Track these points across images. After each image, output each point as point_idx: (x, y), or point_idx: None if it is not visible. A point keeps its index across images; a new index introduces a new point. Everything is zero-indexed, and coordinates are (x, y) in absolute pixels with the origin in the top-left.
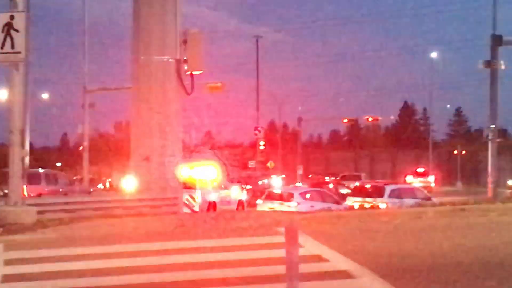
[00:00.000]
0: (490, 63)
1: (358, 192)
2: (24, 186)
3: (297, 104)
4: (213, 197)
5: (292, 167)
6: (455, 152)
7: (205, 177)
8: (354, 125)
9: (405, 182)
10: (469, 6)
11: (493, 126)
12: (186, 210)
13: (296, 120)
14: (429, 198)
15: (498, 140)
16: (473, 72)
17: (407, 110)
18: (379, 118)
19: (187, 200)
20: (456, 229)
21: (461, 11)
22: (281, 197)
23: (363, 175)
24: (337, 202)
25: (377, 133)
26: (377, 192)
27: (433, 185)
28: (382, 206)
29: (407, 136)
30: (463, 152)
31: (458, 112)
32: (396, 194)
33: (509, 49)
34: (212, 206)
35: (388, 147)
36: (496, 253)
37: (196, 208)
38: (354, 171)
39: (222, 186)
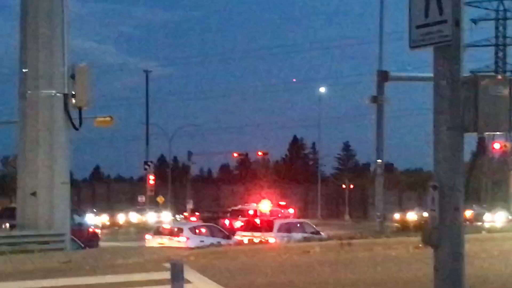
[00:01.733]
0: (376, 99)
1: (248, 226)
2: None
3: (188, 138)
4: None
5: (182, 201)
6: (343, 186)
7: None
8: (244, 160)
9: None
10: (357, 42)
11: (379, 160)
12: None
13: (186, 154)
14: (317, 232)
15: (384, 174)
16: (361, 107)
17: (296, 144)
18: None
19: None
20: (342, 263)
21: (350, 47)
22: (170, 232)
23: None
24: (227, 237)
25: (267, 167)
26: (266, 227)
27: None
28: (271, 240)
29: (296, 170)
30: (351, 186)
31: (346, 146)
32: (285, 229)
33: (398, 84)
34: None
35: (278, 181)
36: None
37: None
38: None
39: None
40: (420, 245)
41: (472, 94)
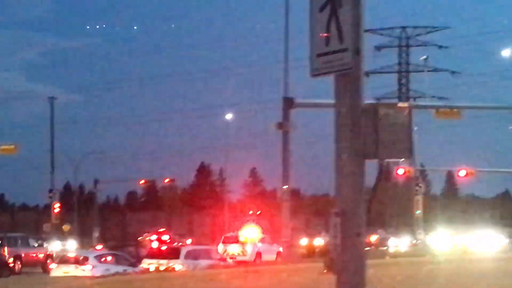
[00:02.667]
0: (282, 125)
1: (154, 254)
2: (5, 248)
3: (94, 165)
4: (260, 248)
5: (89, 229)
6: (251, 212)
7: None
8: (151, 187)
9: (150, 241)
10: (264, 69)
11: (286, 186)
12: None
13: (93, 182)
14: (224, 259)
15: (291, 200)
16: (268, 133)
17: (203, 171)
18: (176, 179)
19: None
20: None
21: (257, 74)
22: (76, 261)
23: None
24: (133, 265)
25: (174, 194)
26: (173, 254)
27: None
28: (178, 267)
29: (203, 196)
30: (258, 212)
31: (253, 172)
32: (192, 256)
33: (305, 110)
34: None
35: (185, 208)
36: None
37: (247, 258)
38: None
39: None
40: (325, 271)
41: (372, 121)
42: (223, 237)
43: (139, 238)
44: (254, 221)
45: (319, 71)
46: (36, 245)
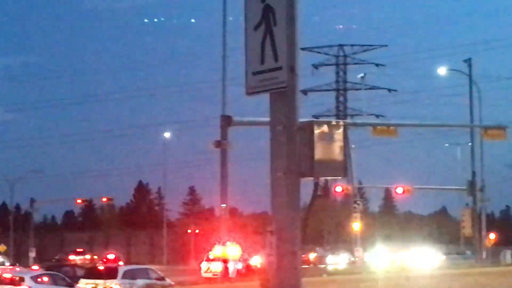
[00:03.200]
0: (220, 143)
1: (91, 273)
2: None
3: (31, 185)
4: (238, 266)
5: (25, 249)
6: (189, 230)
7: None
8: (88, 206)
9: (68, 259)
10: (202, 86)
11: (224, 204)
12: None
13: (29, 201)
14: (162, 278)
15: (229, 218)
16: (206, 151)
17: (141, 189)
18: (113, 198)
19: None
20: None
21: (195, 91)
22: (11, 281)
23: None
24: (70, 285)
25: (112, 213)
26: (110, 274)
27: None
28: (116, 287)
29: (142, 215)
30: (197, 230)
31: (192, 191)
32: (130, 275)
33: (245, 128)
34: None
35: (124, 227)
36: None
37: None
38: (91, 251)
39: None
40: None
41: (307, 139)
42: (206, 256)
43: (55, 257)
44: (235, 241)
45: (255, 89)
46: (8, 264)
